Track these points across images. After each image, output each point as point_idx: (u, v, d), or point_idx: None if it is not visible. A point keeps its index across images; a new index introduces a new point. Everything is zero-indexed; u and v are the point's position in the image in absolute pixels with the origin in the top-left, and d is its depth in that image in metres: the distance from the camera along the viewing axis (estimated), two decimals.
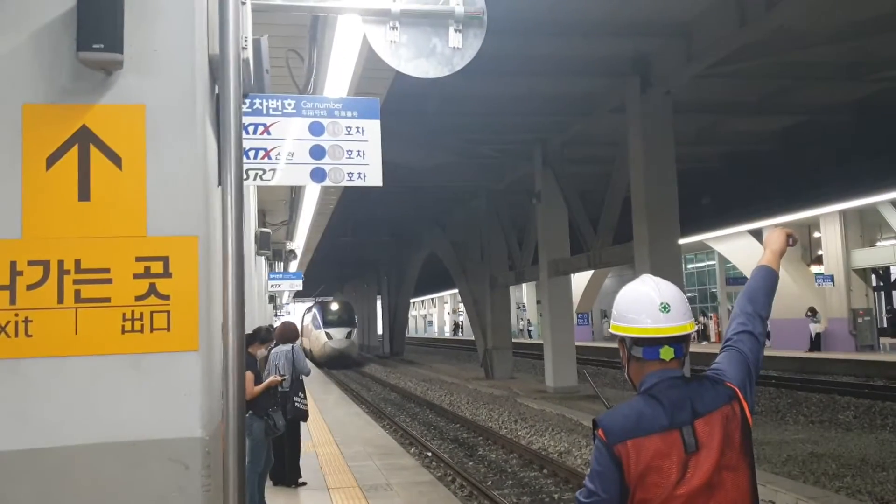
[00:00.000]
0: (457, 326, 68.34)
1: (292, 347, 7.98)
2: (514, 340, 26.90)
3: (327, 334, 32.08)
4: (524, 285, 50.65)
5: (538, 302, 47.26)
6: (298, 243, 18.56)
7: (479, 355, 25.71)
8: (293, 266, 23.39)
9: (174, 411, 2.84)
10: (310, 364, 14.10)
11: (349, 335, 32.49)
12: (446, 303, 74.85)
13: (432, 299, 77.58)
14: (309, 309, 38.43)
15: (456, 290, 45.13)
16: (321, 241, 22.32)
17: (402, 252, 37.95)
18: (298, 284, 20.28)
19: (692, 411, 2.12)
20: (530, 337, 49.35)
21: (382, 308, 48.49)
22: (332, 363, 32.25)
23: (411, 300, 58.11)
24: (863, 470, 9.82)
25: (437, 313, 77.34)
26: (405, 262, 38.86)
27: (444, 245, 28.43)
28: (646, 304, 2.22)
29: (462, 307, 55.84)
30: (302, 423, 8.41)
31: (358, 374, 30.90)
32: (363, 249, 37.84)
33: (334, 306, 33.65)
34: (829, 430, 12.92)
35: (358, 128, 4.00)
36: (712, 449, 2.08)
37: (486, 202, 24.48)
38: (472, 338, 28.16)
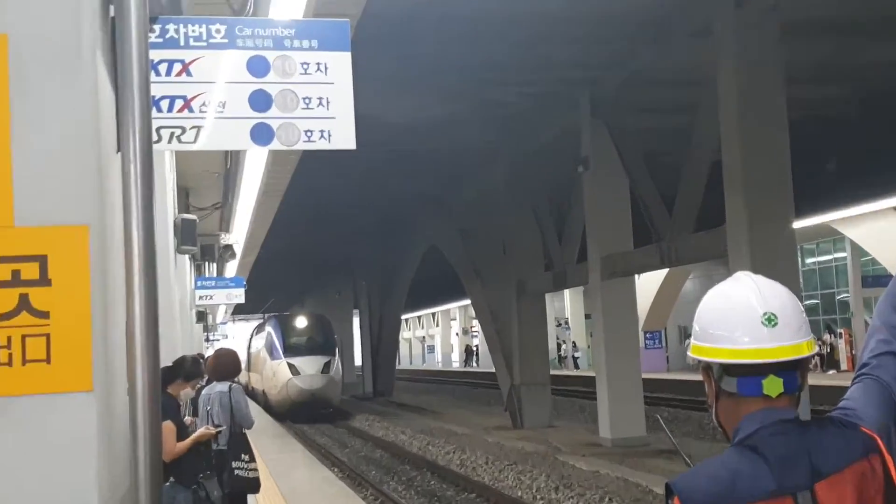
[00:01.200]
0: (469, 353, 68.48)
1: (230, 387, 8.03)
2: (552, 373, 26.55)
3: (292, 367, 30.41)
4: (566, 292, 50.36)
5: (587, 317, 47.07)
6: (238, 236, 18.99)
7: (503, 394, 25.69)
8: (231, 269, 23.94)
9: (58, 477, 2.84)
10: (256, 411, 12.72)
11: (327, 368, 30.93)
12: (454, 319, 74.43)
13: (434, 314, 77.42)
14: (260, 328, 36.91)
15: (467, 301, 43.78)
16: (270, 233, 22.29)
17: (390, 248, 37.85)
18: (239, 295, 20.94)
19: (811, 470, 2.12)
20: (576, 367, 49.10)
21: (362, 328, 48.06)
22: (301, 412, 30.55)
23: (403, 316, 57.52)
24: None
25: (442, 334, 77.39)
26: (394, 263, 38.76)
27: (450, 235, 28.29)
28: (742, 315, 2.21)
29: (477, 325, 54.41)
30: (249, 497, 8.48)
31: (329, 424, 30.88)
32: (332, 245, 37.39)
33: (302, 322, 32.32)
34: None
35: (319, 64, 4.01)
36: None
37: (508, 173, 24.36)
38: (492, 369, 28.04)
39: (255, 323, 48.34)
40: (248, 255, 23.76)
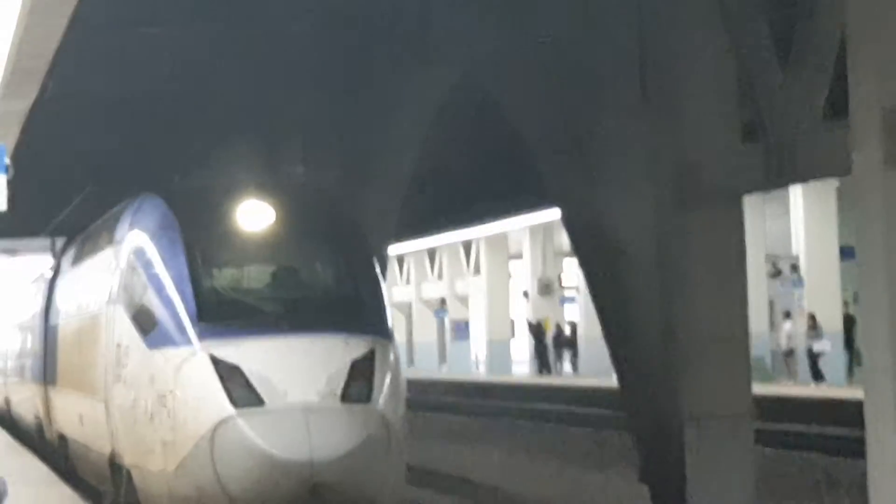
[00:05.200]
0: (559, 340, 40.83)
1: None
2: (760, 391, 18.51)
3: (233, 375, 10.91)
4: (794, 196, 30.96)
5: (845, 254, 27.63)
6: None
7: (637, 442, 15.81)
8: None
9: None
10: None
11: (363, 385, 11.27)
12: (516, 257, 45.21)
13: (467, 246, 46.39)
14: (99, 236, 16.46)
15: (548, 216, 32.70)
16: (73, 31, 13.16)
17: (369, 77, 21.72)
18: None
19: None
20: (816, 378, 28.96)
21: None
22: None
23: (395, 251, 40.05)
24: None
25: (488, 294, 45.26)
26: (379, 113, 21.84)
27: (520, 50, 16.74)
28: None
29: (572, 271, 38.34)
30: None
31: None
32: (227, 77, 20.38)
33: (270, 211, 12.95)
34: None
35: None
36: None
37: None
38: (609, 381, 20.42)
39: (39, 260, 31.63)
40: (15, 91, 14.98)
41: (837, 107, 13.67)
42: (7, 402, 25.27)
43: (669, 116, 15.08)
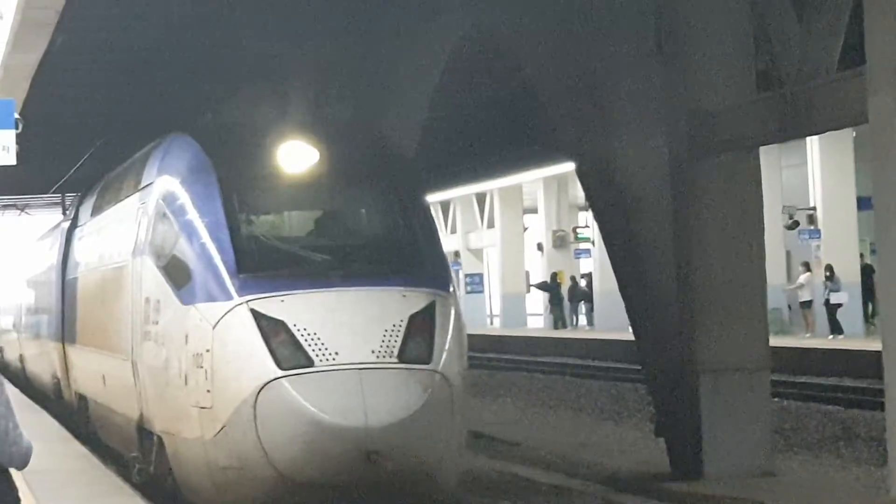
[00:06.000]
0: (574, 293, 40.59)
1: None
2: (776, 343, 17.75)
3: (277, 331, 9.80)
4: (811, 145, 30.41)
5: (862, 205, 27.33)
6: None
7: (651, 394, 15.79)
8: None
9: None
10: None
11: (423, 344, 10.00)
12: (531, 211, 45.16)
13: (481, 197, 45.74)
14: (127, 177, 14.75)
15: (561, 167, 32.58)
16: None
17: (381, 25, 21.35)
18: (6, 140, 13.78)
19: None
20: (834, 331, 29.17)
21: None
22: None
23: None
24: None
25: (502, 246, 44.80)
26: (392, 62, 21.25)
27: (529, 3, 15.91)
28: None
29: (587, 223, 37.37)
30: None
31: None
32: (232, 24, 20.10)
33: (310, 150, 11.19)
34: None
35: None
36: None
37: None
38: (625, 334, 20.77)
39: (50, 217, 30.93)
40: (23, 43, 15.24)
41: (853, 55, 13.59)
42: (21, 359, 24.13)
43: (684, 66, 14.75)
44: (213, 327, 9.49)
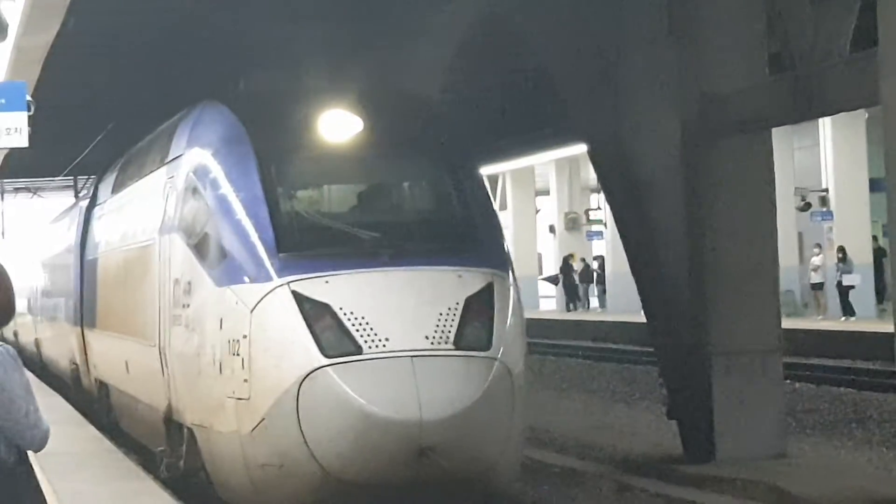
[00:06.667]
0: (586, 275, 40.44)
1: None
2: (789, 325, 18.37)
3: (321, 314, 8.91)
4: (823, 128, 30.08)
5: (875, 186, 27.02)
6: None
7: (662, 377, 15.45)
8: None
9: None
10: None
11: (482, 328, 9.02)
12: (543, 193, 44.96)
13: (493, 181, 42.65)
14: (158, 145, 13.49)
15: (568, 150, 32.71)
16: None
17: (392, 5, 20.78)
18: (18, 128, 13.88)
19: None
20: (846, 313, 28.99)
21: None
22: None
23: None
24: None
25: (514, 229, 42.72)
26: (403, 43, 19.68)
27: None
28: None
29: (600, 206, 36.83)
30: None
31: None
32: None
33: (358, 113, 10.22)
34: None
35: None
36: None
37: None
38: (637, 316, 19.91)
39: (62, 200, 30.00)
40: (35, 25, 15.14)
41: (866, 37, 13.16)
42: (37, 343, 23.39)
43: (696, 48, 14.44)
44: (251, 311, 8.64)
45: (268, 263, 8.82)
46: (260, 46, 21.52)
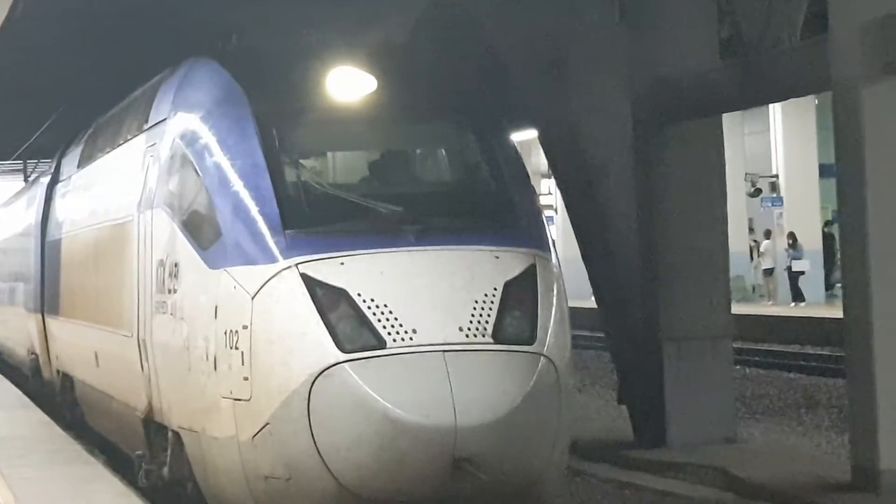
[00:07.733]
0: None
1: None
2: (739, 311, 17.93)
3: (337, 305, 7.62)
4: (773, 113, 29.73)
5: (824, 172, 27.28)
6: None
7: (614, 363, 15.77)
8: None
9: None
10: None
11: (525, 319, 7.83)
12: None
13: None
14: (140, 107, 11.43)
15: (519, 135, 28.23)
16: None
17: None
18: None
19: None
20: (796, 299, 29.26)
21: None
22: None
23: None
24: None
25: None
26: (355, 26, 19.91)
27: None
28: None
29: (549, 190, 36.29)
30: None
31: None
32: None
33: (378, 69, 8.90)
34: None
35: None
36: None
37: None
38: (587, 301, 18.94)
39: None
40: None
41: (817, 23, 13.36)
42: None
43: (648, 33, 14.40)
44: (253, 297, 7.36)
45: (271, 242, 7.49)
46: (222, 31, 21.09)
